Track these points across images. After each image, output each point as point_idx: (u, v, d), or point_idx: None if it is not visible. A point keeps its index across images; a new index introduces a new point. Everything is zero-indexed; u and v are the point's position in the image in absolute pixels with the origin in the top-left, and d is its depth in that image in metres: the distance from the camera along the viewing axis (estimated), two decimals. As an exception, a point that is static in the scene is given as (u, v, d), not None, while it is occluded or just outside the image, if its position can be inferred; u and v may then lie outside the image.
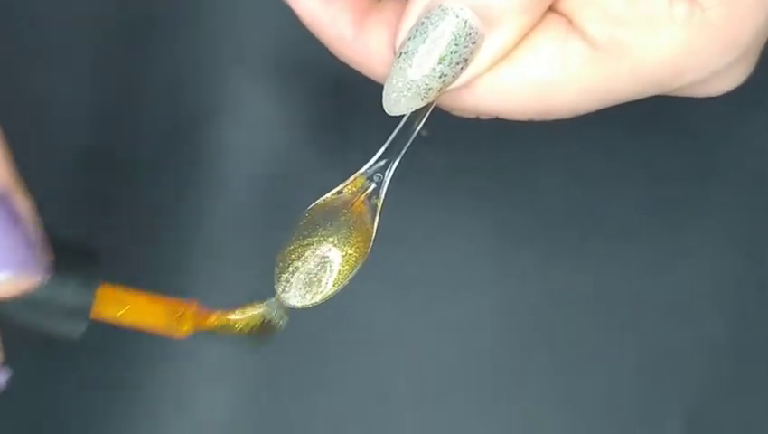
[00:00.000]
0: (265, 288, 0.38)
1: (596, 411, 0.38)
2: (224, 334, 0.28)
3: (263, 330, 0.28)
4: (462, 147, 0.37)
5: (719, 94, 0.27)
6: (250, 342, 0.28)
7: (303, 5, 0.26)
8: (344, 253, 0.27)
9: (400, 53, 0.24)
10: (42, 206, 0.37)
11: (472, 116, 0.27)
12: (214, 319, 0.28)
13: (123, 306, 0.27)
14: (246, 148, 0.37)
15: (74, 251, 0.26)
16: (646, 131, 0.38)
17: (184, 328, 0.28)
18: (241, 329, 0.28)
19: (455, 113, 0.27)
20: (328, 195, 0.27)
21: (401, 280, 0.37)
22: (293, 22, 0.27)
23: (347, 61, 0.27)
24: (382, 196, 0.27)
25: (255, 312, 0.28)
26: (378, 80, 0.26)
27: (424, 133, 0.27)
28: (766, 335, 0.38)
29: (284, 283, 0.27)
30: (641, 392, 0.38)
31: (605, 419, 0.38)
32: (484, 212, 0.38)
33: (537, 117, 0.26)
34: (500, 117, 0.26)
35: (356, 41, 0.26)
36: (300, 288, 0.27)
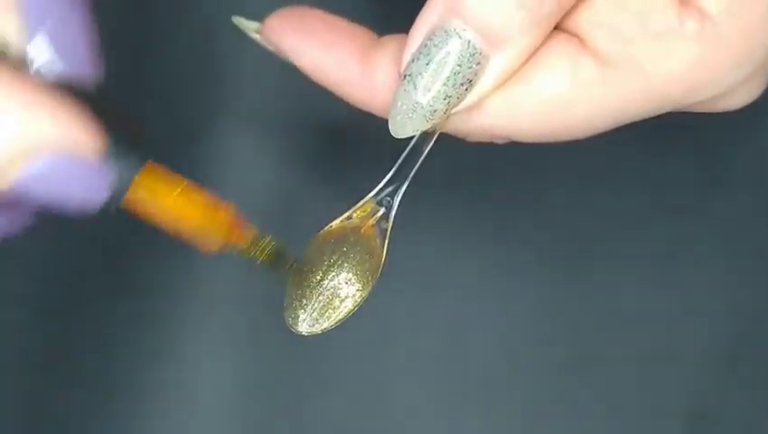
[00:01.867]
0: (265, 287, 0.38)
1: (597, 411, 0.38)
2: (246, 253, 0.27)
3: (278, 259, 0.27)
4: (464, 152, 0.37)
5: (735, 109, 0.27)
6: (263, 266, 0.27)
7: (306, 59, 0.26)
8: (355, 279, 0.27)
9: (405, 76, 0.24)
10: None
11: (487, 140, 0.27)
12: (246, 231, 0.26)
13: (169, 190, 0.25)
14: (250, 167, 0.37)
15: (125, 120, 0.24)
16: (649, 132, 0.38)
17: (218, 234, 0.26)
18: (263, 249, 0.27)
19: (470, 138, 0.27)
20: (337, 221, 0.27)
21: (401, 280, 0.37)
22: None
23: (357, 103, 0.26)
24: (391, 220, 0.27)
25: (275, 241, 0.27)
26: (387, 116, 0.25)
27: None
28: (766, 335, 0.38)
29: (293, 310, 0.27)
30: (642, 392, 0.38)
31: (606, 419, 0.38)
32: (485, 213, 0.38)
33: (551, 139, 0.26)
34: (513, 139, 0.26)
35: (363, 80, 0.26)
36: (311, 315, 0.27)
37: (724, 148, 0.38)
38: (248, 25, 0.28)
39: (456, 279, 0.38)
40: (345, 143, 0.38)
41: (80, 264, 0.37)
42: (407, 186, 0.27)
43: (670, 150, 0.38)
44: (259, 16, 0.38)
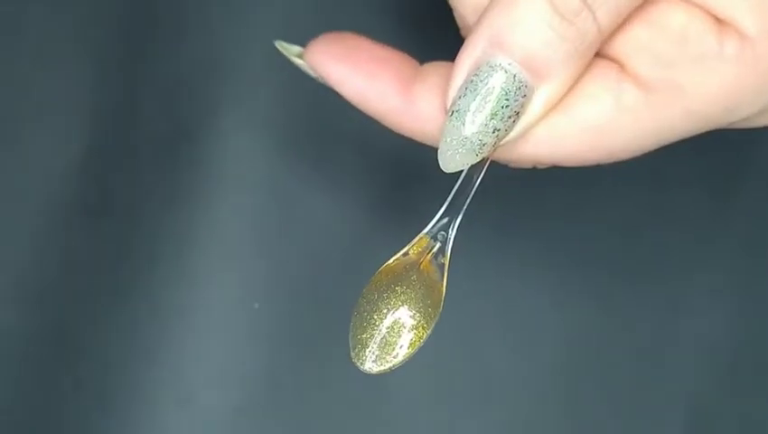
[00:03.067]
0: (263, 288, 0.38)
1: (596, 412, 0.38)
2: None
3: None
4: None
5: None
6: None
7: (349, 87, 0.26)
8: (417, 315, 0.26)
9: (452, 112, 0.24)
10: (41, 205, 0.37)
11: (530, 166, 0.27)
12: None
13: None
14: (250, 167, 0.38)
15: None
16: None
17: None
18: None
19: (513, 165, 0.27)
20: (394, 258, 0.27)
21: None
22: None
23: (401, 132, 0.27)
24: (448, 254, 0.27)
25: None
26: (435, 144, 0.26)
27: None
28: (766, 334, 0.38)
29: (359, 350, 0.27)
30: (642, 392, 0.38)
31: (605, 419, 0.38)
32: (486, 215, 0.38)
33: (595, 162, 0.26)
34: (557, 165, 0.26)
35: (407, 110, 0.26)
36: (375, 354, 0.26)
37: (728, 154, 0.38)
38: (291, 50, 0.28)
39: (457, 280, 0.38)
40: (346, 144, 0.38)
41: (80, 264, 0.37)
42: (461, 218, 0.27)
43: (671, 152, 0.38)
44: (260, 16, 0.38)
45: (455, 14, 0.27)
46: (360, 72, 0.26)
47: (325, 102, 0.36)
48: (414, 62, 0.27)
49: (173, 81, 0.38)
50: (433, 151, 0.25)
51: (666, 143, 0.26)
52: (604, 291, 0.38)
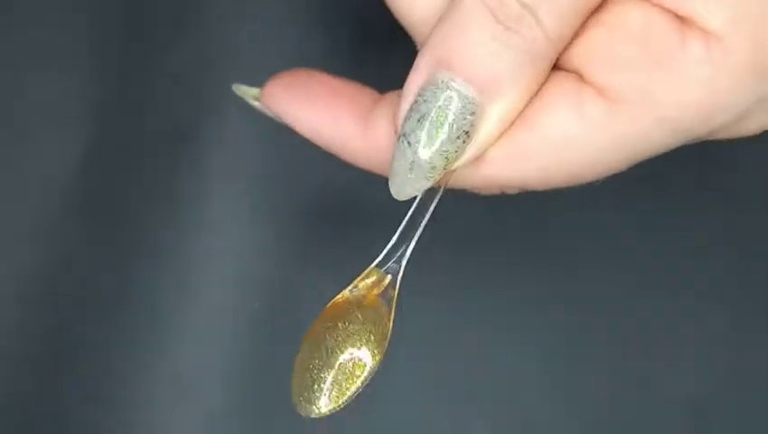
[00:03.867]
0: (263, 288, 0.38)
1: (596, 411, 0.38)
2: None
3: None
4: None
5: (755, 133, 0.25)
6: None
7: (306, 126, 0.26)
8: (365, 351, 0.26)
9: (400, 136, 0.23)
10: (41, 205, 0.37)
11: (497, 191, 0.25)
12: None
13: None
14: (250, 166, 0.38)
15: None
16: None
17: None
18: None
19: (478, 191, 0.26)
20: (340, 294, 0.26)
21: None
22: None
23: (358, 164, 0.26)
24: (397, 287, 0.26)
25: None
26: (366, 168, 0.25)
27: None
28: (766, 334, 0.38)
29: (305, 393, 0.26)
30: (642, 392, 0.38)
31: (606, 419, 0.38)
32: (476, 214, 0.38)
33: (563, 184, 0.24)
34: (524, 188, 0.25)
35: (364, 143, 0.25)
36: (324, 394, 0.26)
37: (728, 153, 0.38)
38: (248, 92, 0.27)
39: (456, 279, 0.38)
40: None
41: (80, 264, 0.37)
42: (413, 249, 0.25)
43: (672, 152, 0.38)
44: (260, 16, 0.38)
45: (407, 30, 0.26)
46: (316, 107, 0.25)
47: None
48: (373, 93, 0.26)
49: (172, 81, 0.38)
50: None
51: (640, 159, 0.24)
52: (604, 291, 0.38)
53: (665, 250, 0.38)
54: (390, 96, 0.25)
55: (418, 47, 0.26)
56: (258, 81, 0.38)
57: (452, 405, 0.38)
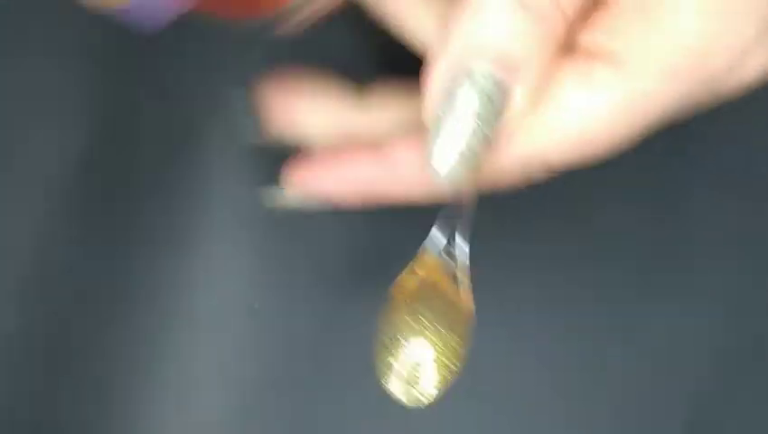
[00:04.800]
0: (263, 288, 0.38)
1: (597, 411, 0.38)
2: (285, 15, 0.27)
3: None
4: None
5: (760, 76, 0.26)
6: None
7: (336, 191, 0.27)
8: (444, 351, 0.26)
9: (436, 120, 0.24)
10: (41, 205, 0.37)
11: (518, 178, 0.26)
12: None
13: None
14: (249, 166, 0.38)
15: None
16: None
17: None
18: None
19: (502, 181, 0.26)
20: (402, 275, 0.27)
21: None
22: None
23: (405, 197, 0.27)
24: (467, 269, 0.27)
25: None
26: (417, 200, 0.26)
27: None
28: (766, 334, 0.38)
29: (396, 385, 0.27)
30: (641, 397, 0.38)
31: (606, 419, 0.38)
32: (487, 215, 0.38)
33: (580, 156, 0.26)
34: (551, 167, 0.26)
35: (392, 172, 0.26)
36: (424, 387, 0.27)
37: (728, 152, 0.38)
38: (280, 198, 0.29)
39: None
40: None
41: (80, 264, 0.37)
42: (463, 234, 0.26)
43: (673, 152, 0.38)
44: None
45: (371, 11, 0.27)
46: (337, 171, 0.27)
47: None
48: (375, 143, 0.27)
49: (173, 81, 0.38)
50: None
51: (653, 119, 0.25)
52: (603, 291, 0.38)
53: (665, 250, 0.38)
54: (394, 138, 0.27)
55: (418, 47, 0.27)
56: (258, 82, 0.38)
57: (452, 405, 0.38)
